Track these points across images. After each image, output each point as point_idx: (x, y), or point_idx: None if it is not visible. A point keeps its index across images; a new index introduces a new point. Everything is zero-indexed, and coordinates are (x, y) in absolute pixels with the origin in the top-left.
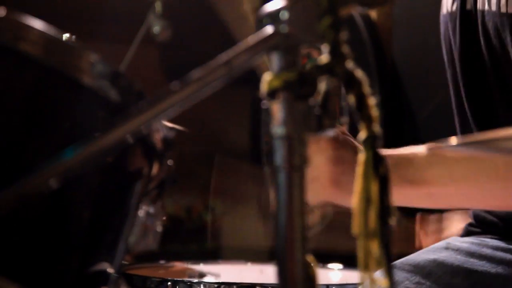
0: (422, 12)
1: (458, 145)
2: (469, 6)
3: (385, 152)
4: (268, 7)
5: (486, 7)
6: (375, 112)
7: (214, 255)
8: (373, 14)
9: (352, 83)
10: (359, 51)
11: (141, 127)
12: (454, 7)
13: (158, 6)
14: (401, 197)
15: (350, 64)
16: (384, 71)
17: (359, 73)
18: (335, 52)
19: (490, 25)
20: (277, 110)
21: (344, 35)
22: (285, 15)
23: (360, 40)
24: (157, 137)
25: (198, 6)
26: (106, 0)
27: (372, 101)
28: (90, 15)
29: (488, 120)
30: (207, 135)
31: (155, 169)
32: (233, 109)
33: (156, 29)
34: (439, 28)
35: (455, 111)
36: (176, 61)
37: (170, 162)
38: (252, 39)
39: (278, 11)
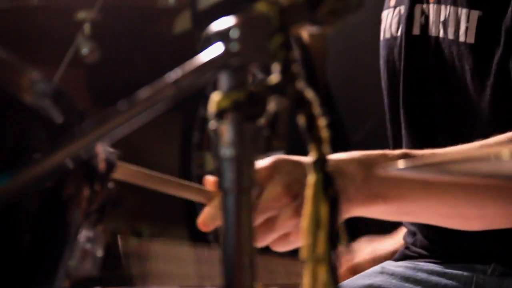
0: (356, 35)
1: (405, 168)
2: (416, 31)
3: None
4: (217, 25)
5: (442, 34)
6: (325, 134)
7: (142, 280)
8: (306, 36)
9: (302, 104)
10: None
11: (85, 149)
12: (399, 32)
13: (87, 28)
14: (374, 212)
15: (300, 84)
16: (318, 94)
17: (310, 93)
18: (286, 72)
19: (446, 53)
20: (225, 131)
21: (295, 54)
22: (235, 34)
23: None
24: (100, 159)
25: (128, 28)
26: (35, 21)
27: (322, 122)
28: (18, 36)
29: (427, 147)
30: (135, 158)
31: (96, 192)
32: (162, 132)
33: (85, 51)
34: (373, 52)
35: (390, 137)
36: (104, 83)
37: (111, 184)
38: (201, 58)
39: (228, 29)
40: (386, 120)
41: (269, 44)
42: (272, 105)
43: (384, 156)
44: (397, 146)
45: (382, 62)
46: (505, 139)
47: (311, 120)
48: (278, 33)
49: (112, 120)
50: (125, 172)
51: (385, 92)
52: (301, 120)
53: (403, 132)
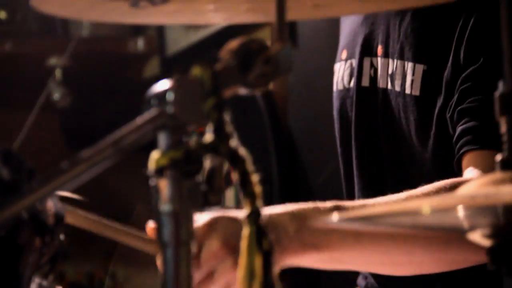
0: (317, 82)
1: (340, 220)
2: (365, 83)
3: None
4: (156, 88)
5: (389, 86)
6: (258, 189)
7: None
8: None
9: (236, 161)
10: (255, 118)
11: (32, 205)
12: (352, 84)
13: (58, 73)
14: (308, 261)
15: (234, 143)
16: (280, 137)
17: (243, 151)
18: (219, 132)
19: (393, 104)
20: (164, 187)
21: (227, 115)
22: (171, 96)
23: (256, 108)
24: (49, 213)
25: (98, 73)
26: (7, 67)
27: (255, 178)
28: None
29: (377, 193)
30: (110, 201)
31: (46, 243)
32: (137, 175)
33: (56, 96)
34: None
35: (343, 182)
36: (77, 126)
37: (62, 236)
38: (140, 120)
39: (164, 92)
40: None
41: (203, 106)
42: (208, 163)
43: (316, 209)
44: (350, 190)
45: (335, 112)
46: (444, 185)
47: (245, 177)
48: (211, 96)
49: (57, 178)
50: (75, 218)
51: (338, 141)
52: (235, 176)
53: (355, 178)
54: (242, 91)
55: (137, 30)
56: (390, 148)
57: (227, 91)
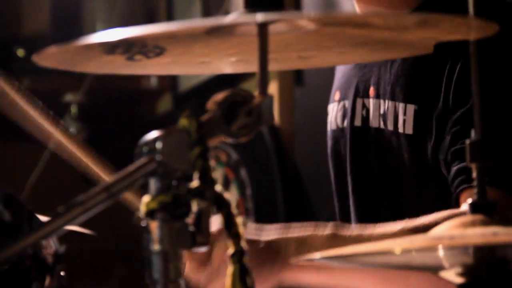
0: (322, 119)
1: (321, 258)
2: (358, 123)
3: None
4: (147, 137)
5: (382, 125)
6: (242, 230)
7: None
8: (276, 119)
9: (221, 205)
10: (262, 155)
11: (32, 245)
12: (345, 123)
13: (73, 108)
14: (309, 279)
15: (218, 188)
16: (287, 174)
17: (227, 196)
18: (204, 178)
19: (386, 142)
20: (155, 228)
21: (212, 162)
22: (160, 145)
23: (263, 145)
24: (48, 252)
25: (113, 109)
26: None
27: (239, 220)
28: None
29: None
30: (124, 233)
31: (46, 282)
32: None
33: (72, 131)
34: None
35: (338, 220)
36: None
37: (62, 273)
38: (131, 167)
39: (154, 141)
40: None
41: (190, 155)
42: (195, 206)
43: (314, 236)
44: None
45: (329, 151)
46: (441, 216)
47: (229, 219)
48: (197, 145)
49: (54, 221)
50: None
51: (333, 179)
52: (220, 219)
53: (352, 213)
54: (228, 139)
55: None
56: (385, 184)
57: (212, 140)
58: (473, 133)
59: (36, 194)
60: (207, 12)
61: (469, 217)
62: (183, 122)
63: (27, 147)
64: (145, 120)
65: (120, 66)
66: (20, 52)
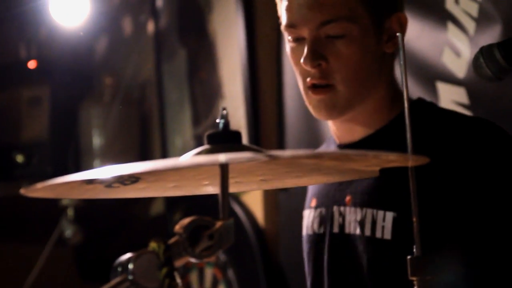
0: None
1: None
2: (336, 229)
3: None
4: (121, 258)
5: (358, 232)
6: None
7: None
8: (261, 221)
9: None
10: (248, 255)
11: None
12: (323, 230)
13: (70, 211)
14: None
15: None
16: (271, 274)
17: None
18: None
19: (362, 248)
20: None
21: (179, 281)
22: (131, 265)
23: (249, 246)
24: None
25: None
26: (23, 206)
27: None
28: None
29: None
30: None
31: None
32: None
33: (68, 233)
34: None
35: None
36: (88, 260)
37: None
38: (106, 286)
39: (127, 262)
40: None
41: (158, 274)
42: None
43: None
44: None
45: (306, 254)
46: None
47: None
48: (164, 266)
49: None
50: None
51: (310, 280)
52: None
53: None
54: (192, 259)
55: None
56: (361, 286)
57: (178, 261)
58: (414, 249)
59: None
60: (196, 119)
61: None
62: (152, 245)
63: (26, 248)
64: (139, 222)
65: (99, 193)
66: (19, 158)
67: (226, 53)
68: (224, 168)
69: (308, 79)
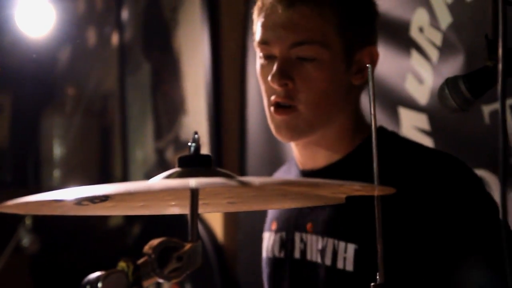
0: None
1: None
2: (297, 255)
3: None
4: (90, 276)
5: (319, 260)
6: None
7: None
8: (220, 237)
9: None
10: (206, 271)
11: None
12: (282, 254)
13: (28, 220)
14: None
15: None
16: None
17: None
18: None
19: (322, 276)
20: None
21: None
22: (100, 284)
23: (208, 262)
24: None
25: (66, 222)
26: None
27: None
28: None
29: None
30: None
31: None
32: None
33: (25, 242)
34: None
35: None
36: (44, 270)
37: None
38: None
39: (96, 281)
40: None
41: None
42: None
43: None
44: None
45: (265, 277)
46: None
47: None
48: (133, 286)
49: None
50: None
51: None
52: None
53: None
54: (160, 281)
55: (104, 181)
56: None
57: (147, 282)
58: (377, 276)
59: None
60: (158, 133)
61: None
62: (121, 264)
63: None
64: (98, 232)
65: (69, 210)
66: None
67: (190, 68)
68: (194, 193)
69: (273, 97)
